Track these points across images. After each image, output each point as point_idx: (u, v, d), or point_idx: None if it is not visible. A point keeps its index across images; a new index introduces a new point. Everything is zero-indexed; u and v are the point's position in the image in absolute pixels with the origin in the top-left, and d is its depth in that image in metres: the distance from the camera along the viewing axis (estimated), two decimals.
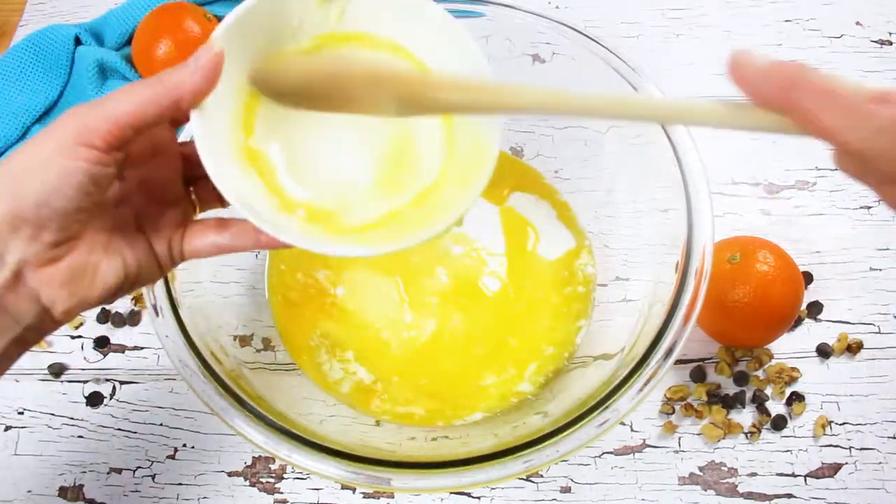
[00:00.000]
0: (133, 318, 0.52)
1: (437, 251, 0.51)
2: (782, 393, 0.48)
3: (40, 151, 0.27)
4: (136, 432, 0.48)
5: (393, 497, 0.45)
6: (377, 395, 0.47)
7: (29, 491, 0.46)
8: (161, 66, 0.56)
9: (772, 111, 0.22)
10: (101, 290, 0.30)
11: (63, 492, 0.46)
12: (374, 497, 0.45)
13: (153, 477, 0.47)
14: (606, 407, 0.36)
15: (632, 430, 0.47)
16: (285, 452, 0.36)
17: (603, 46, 0.45)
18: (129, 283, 0.31)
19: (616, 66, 0.45)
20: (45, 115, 0.60)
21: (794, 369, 0.48)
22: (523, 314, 0.49)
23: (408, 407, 0.46)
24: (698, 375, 0.48)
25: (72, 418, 0.49)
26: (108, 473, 0.47)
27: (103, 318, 0.52)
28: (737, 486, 0.45)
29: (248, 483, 0.46)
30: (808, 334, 0.50)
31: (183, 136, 0.37)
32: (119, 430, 0.48)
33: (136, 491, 0.46)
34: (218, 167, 0.30)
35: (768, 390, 0.48)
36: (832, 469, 0.46)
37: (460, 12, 0.45)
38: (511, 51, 0.48)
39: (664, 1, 0.64)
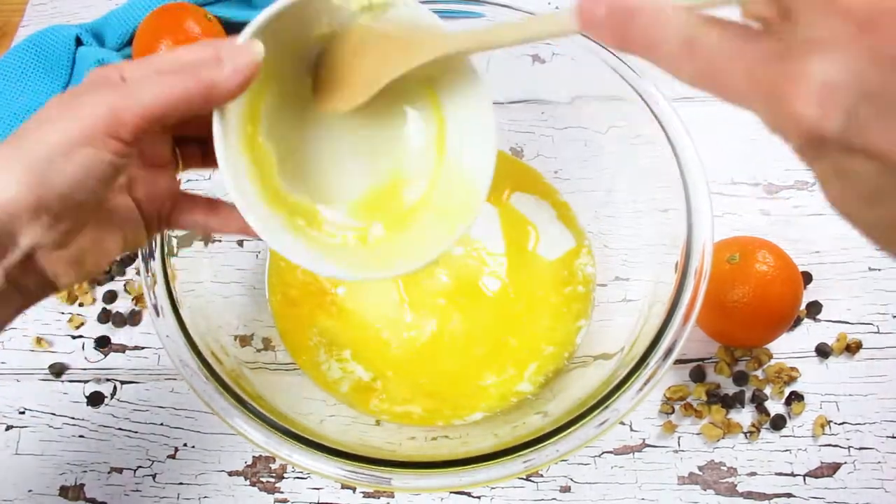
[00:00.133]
0: (134, 318, 0.52)
1: None
2: (781, 393, 0.48)
3: (66, 135, 0.26)
4: (136, 432, 0.48)
5: (393, 497, 0.46)
6: (376, 394, 0.47)
7: (30, 490, 0.46)
8: None
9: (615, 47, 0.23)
10: (103, 263, 0.30)
11: (64, 491, 0.46)
12: (374, 497, 0.46)
13: (154, 476, 0.47)
14: (606, 407, 0.36)
15: (631, 429, 0.47)
16: (286, 452, 0.36)
17: (602, 47, 0.45)
18: (126, 250, 0.32)
19: (615, 66, 0.45)
20: None
21: (793, 369, 0.48)
22: (523, 314, 0.49)
23: (406, 406, 0.46)
24: (698, 375, 0.48)
25: (73, 418, 0.49)
26: (108, 473, 0.47)
27: (104, 318, 0.52)
28: (736, 485, 0.45)
29: (248, 482, 0.46)
30: (808, 334, 0.50)
31: None
32: (120, 429, 0.48)
33: (137, 490, 0.46)
34: (229, 163, 0.30)
35: (767, 390, 0.48)
36: (831, 468, 0.46)
37: (460, 12, 0.46)
38: (511, 51, 0.49)
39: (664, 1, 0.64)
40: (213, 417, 0.38)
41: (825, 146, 0.18)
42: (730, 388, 0.48)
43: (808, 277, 0.51)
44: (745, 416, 0.47)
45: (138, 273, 0.52)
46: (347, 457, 0.36)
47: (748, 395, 0.48)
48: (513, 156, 0.55)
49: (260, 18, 0.29)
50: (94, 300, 0.53)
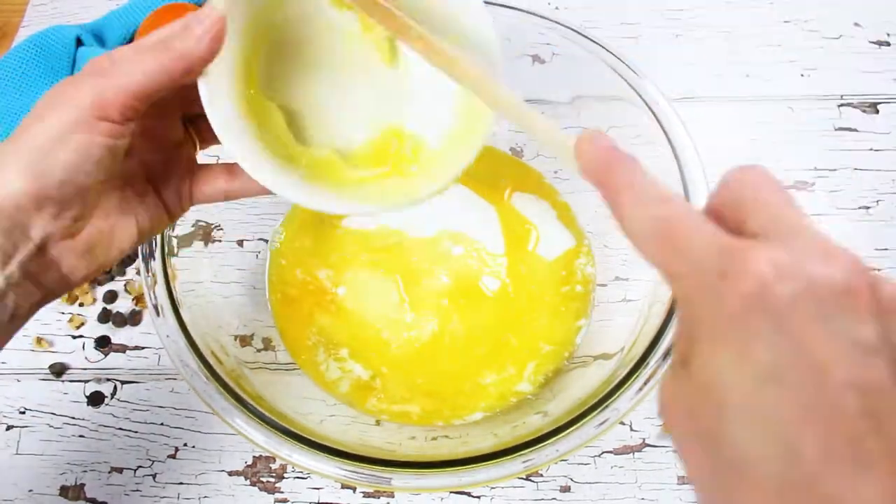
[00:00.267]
0: (134, 318, 0.52)
1: (438, 251, 0.51)
2: None
3: (57, 125, 0.27)
4: (137, 432, 0.48)
5: (393, 496, 0.46)
6: (374, 393, 0.47)
7: (30, 490, 0.46)
8: None
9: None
10: (116, 253, 0.31)
11: (64, 491, 0.46)
12: (374, 496, 0.46)
13: (154, 476, 0.47)
14: (606, 406, 0.36)
15: (631, 429, 0.47)
16: (286, 452, 0.36)
17: (602, 47, 0.45)
18: (141, 239, 0.32)
19: (616, 66, 0.45)
20: None
21: None
22: (523, 314, 0.49)
23: (404, 405, 0.46)
24: None
25: (73, 418, 0.49)
26: (109, 473, 0.47)
27: (104, 317, 0.52)
28: None
29: (248, 482, 0.46)
30: None
31: None
32: (120, 429, 0.48)
33: (137, 490, 0.46)
34: (225, 127, 0.30)
35: None
36: None
37: None
38: (511, 51, 0.49)
39: (663, 2, 0.64)
40: (213, 417, 0.38)
41: (756, 308, 0.19)
42: None
43: None
44: None
45: (138, 273, 0.52)
46: (347, 457, 0.36)
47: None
48: (513, 156, 0.55)
49: None
50: (95, 300, 0.53)
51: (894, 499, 0.17)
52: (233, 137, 0.30)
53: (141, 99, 0.28)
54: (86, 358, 0.51)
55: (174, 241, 0.42)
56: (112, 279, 0.53)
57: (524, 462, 0.35)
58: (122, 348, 0.51)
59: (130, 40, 0.61)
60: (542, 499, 0.45)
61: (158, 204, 0.32)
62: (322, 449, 0.36)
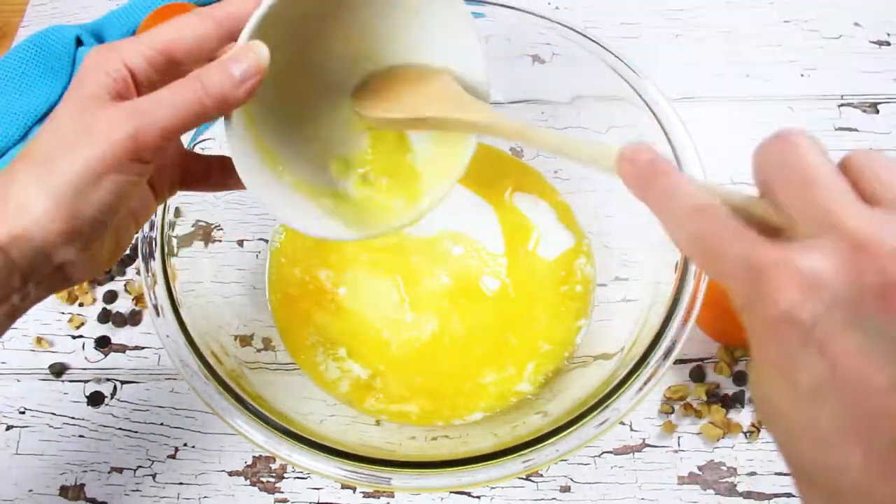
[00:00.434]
0: (134, 318, 0.52)
1: (438, 251, 0.51)
2: None
3: (91, 164, 0.26)
4: (136, 432, 0.48)
5: (393, 496, 0.46)
6: (373, 392, 0.47)
7: (30, 490, 0.46)
8: None
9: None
10: (118, 257, 0.32)
11: (64, 491, 0.46)
12: (374, 496, 0.46)
13: (154, 476, 0.47)
14: (606, 406, 0.36)
15: (631, 429, 0.47)
16: (286, 452, 0.36)
17: (603, 47, 0.45)
18: (137, 231, 0.33)
19: (616, 66, 0.45)
20: (46, 115, 0.60)
21: None
22: (523, 314, 0.49)
23: (402, 405, 0.46)
24: (698, 375, 0.48)
25: (73, 418, 0.49)
26: (109, 473, 0.47)
27: (104, 317, 0.52)
28: (736, 485, 0.45)
29: (248, 482, 0.46)
30: None
31: None
32: (120, 429, 0.48)
33: (137, 490, 0.46)
34: (252, 173, 0.31)
35: None
36: None
37: None
38: (511, 51, 0.49)
39: (664, 2, 0.64)
40: (213, 417, 0.38)
41: (788, 331, 0.19)
42: (730, 388, 0.48)
43: None
44: (744, 416, 0.47)
45: (138, 273, 0.52)
46: (347, 457, 0.36)
47: (748, 395, 0.48)
48: (513, 156, 0.55)
49: (258, 14, 0.29)
50: (95, 300, 0.53)
51: None
52: (260, 185, 0.32)
53: (172, 137, 0.28)
54: (86, 358, 0.51)
55: (174, 241, 0.42)
56: (112, 279, 0.53)
57: (524, 462, 0.35)
58: (122, 348, 0.51)
59: None
60: (542, 499, 0.45)
61: (149, 192, 0.33)
62: (322, 449, 0.36)
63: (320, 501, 0.46)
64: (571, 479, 0.46)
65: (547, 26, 0.47)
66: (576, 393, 0.41)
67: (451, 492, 0.46)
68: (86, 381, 0.50)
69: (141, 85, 0.28)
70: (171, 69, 0.29)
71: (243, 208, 0.51)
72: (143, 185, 0.32)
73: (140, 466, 0.47)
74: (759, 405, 0.22)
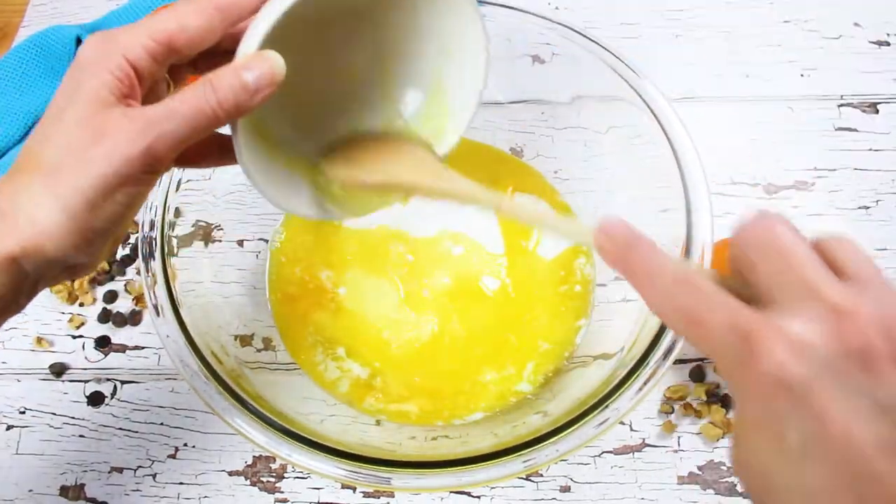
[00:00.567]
0: (134, 318, 0.52)
1: (438, 251, 0.51)
2: None
3: (104, 180, 0.26)
4: (137, 432, 0.48)
5: (393, 496, 0.46)
6: (373, 392, 0.47)
7: (30, 490, 0.46)
8: None
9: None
10: (117, 246, 0.32)
11: (64, 491, 0.46)
12: (374, 496, 0.46)
13: (154, 476, 0.47)
14: (606, 406, 0.36)
15: (631, 429, 0.47)
16: (286, 452, 0.36)
17: (603, 47, 0.45)
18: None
19: (616, 66, 0.45)
20: None
21: None
22: (523, 314, 0.49)
23: (402, 404, 0.46)
24: (698, 375, 0.48)
25: (73, 418, 0.49)
26: (109, 473, 0.47)
27: (104, 317, 0.52)
28: (736, 485, 0.45)
29: (248, 482, 0.46)
30: None
31: None
32: (120, 429, 0.48)
33: (137, 490, 0.46)
34: (264, 174, 0.32)
35: None
36: None
37: None
38: (511, 51, 0.49)
39: (663, 2, 0.64)
40: (213, 417, 0.38)
41: (777, 391, 0.20)
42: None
43: None
44: None
45: (138, 273, 0.52)
46: (347, 457, 0.36)
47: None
48: (513, 156, 0.55)
49: (269, 20, 0.28)
50: (95, 300, 0.53)
51: None
52: (272, 185, 0.33)
53: (184, 147, 0.28)
54: (86, 358, 0.51)
55: (174, 241, 0.42)
56: (112, 279, 0.53)
57: (524, 462, 0.35)
58: (122, 348, 0.51)
59: None
60: (542, 499, 0.45)
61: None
62: (322, 449, 0.36)
63: (320, 501, 0.46)
64: (571, 479, 0.46)
65: (547, 26, 0.47)
66: (576, 393, 0.41)
67: (451, 492, 0.46)
68: (86, 381, 0.50)
69: (143, 78, 0.28)
70: (171, 58, 0.29)
71: (243, 208, 0.51)
72: None
73: (140, 466, 0.47)
74: (740, 468, 0.22)
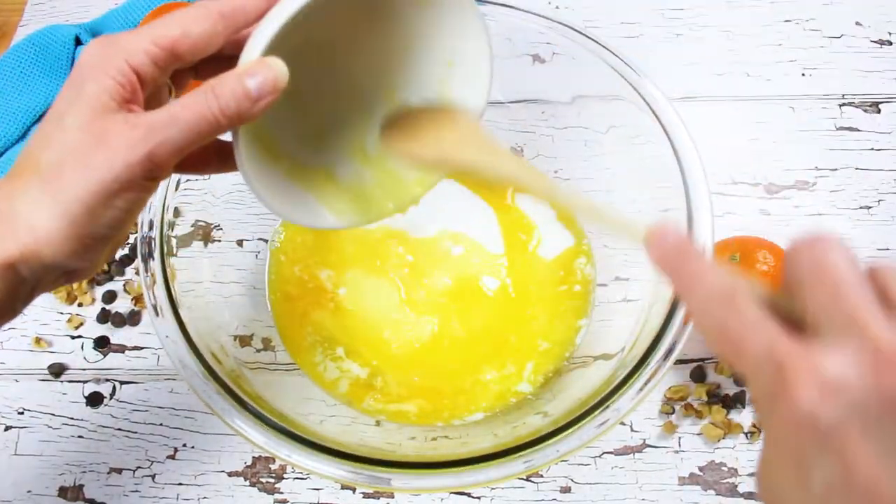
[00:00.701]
0: (133, 319, 0.52)
1: (438, 251, 0.51)
2: None
3: (104, 186, 0.26)
4: (136, 432, 0.48)
5: (393, 497, 0.45)
6: (372, 392, 0.47)
7: (29, 491, 0.46)
8: None
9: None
10: (117, 250, 0.31)
11: (63, 492, 0.46)
12: (374, 497, 0.46)
13: (153, 477, 0.47)
14: (606, 407, 0.36)
15: (632, 430, 0.47)
16: (285, 452, 0.36)
17: (603, 46, 0.45)
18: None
19: (616, 66, 0.45)
20: (44, 115, 0.60)
21: None
22: (523, 314, 0.49)
23: (401, 405, 0.46)
24: (698, 375, 0.48)
25: (72, 418, 0.49)
26: (108, 473, 0.47)
27: (103, 318, 0.52)
28: (737, 485, 0.45)
29: (248, 483, 0.46)
30: None
31: None
32: (119, 430, 0.48)
33: (136, 491, 0.46)
34: (266, 185, 0.32)
35: None
36: None
37: None
38: (511, 51, 0.49)
39: (664, 1, 0.64)
40: (212, 417, 0.38)
41: (806, 431, 0.19)
42: (730, 389, 0.48)
43: None
44: (745, 416, 0.47)
45: (138, 273, 0.52)
46: (347, 457, 0.36)
47: (749, 395, 0.47)
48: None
49: (273, 26, 0.28)
50: (94, 300, 0.53)
51: None
52: (273, 193, 0.33)
53: (185, 154, 0.27)
54: (85, 358, 0.51)
55: (173, 241, 0.42)
56: (111, 279, 0.53)
57: (524, 462, 0.35)
58: (121, 348, 0.51)
59: None
60: (543, 499, 0.45)
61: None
62: (322, 449, 0.36)
63: (320, 502, 0.45)
64: (572, 480, 0.46)
65: (547, 26, 0.47)
66: (576, 393, 0.40)
67: (451, 492, 0.45)
68: (85, 382, 0.50)
69: (145, 84, 0.28)
70: (174, 63, 0.28)
71: (243, 208, 0.51)
72: None
73: (139, 467, 0.47)
74: (764, 495, 0.22)
